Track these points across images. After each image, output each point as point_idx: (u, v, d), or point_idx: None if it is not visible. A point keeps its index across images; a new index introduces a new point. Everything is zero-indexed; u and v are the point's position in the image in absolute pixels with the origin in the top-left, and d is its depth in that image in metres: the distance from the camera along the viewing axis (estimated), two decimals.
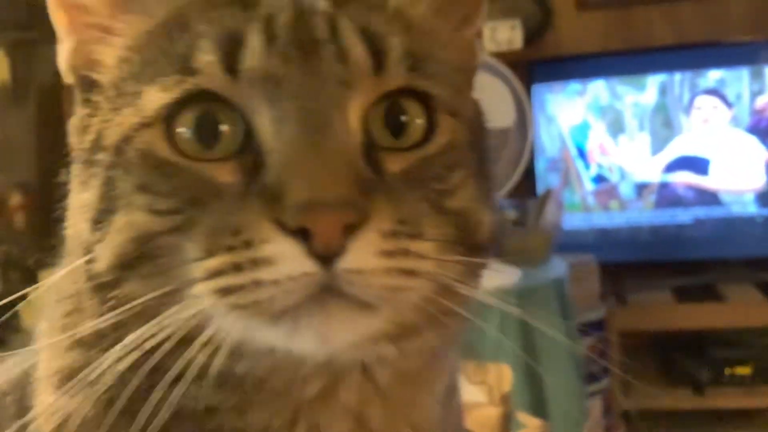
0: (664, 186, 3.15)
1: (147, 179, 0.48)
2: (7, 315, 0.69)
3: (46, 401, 0.55)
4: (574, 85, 3.14)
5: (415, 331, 0.51)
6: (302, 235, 0.43)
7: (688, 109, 3.11)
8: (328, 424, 0.52)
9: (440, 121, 0.51)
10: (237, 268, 0.43)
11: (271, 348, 0.47)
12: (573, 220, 3.14)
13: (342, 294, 0.44)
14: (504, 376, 1.55)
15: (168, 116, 0.48)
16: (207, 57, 0.47)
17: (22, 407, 0.58)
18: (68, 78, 0.55)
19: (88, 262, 0.50)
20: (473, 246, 0.52)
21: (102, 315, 0.49)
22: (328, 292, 0.44)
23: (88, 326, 0.50)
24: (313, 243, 0.43)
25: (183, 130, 0.48)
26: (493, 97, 2.21)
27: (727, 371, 3.01)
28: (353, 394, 0.52)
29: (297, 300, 0.44)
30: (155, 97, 0.48)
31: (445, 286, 0.49)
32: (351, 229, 0.43)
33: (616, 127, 3.14)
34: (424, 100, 0.51)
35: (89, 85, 0.54)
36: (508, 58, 2.96)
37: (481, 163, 0.55)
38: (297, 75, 0.46)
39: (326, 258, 0.43)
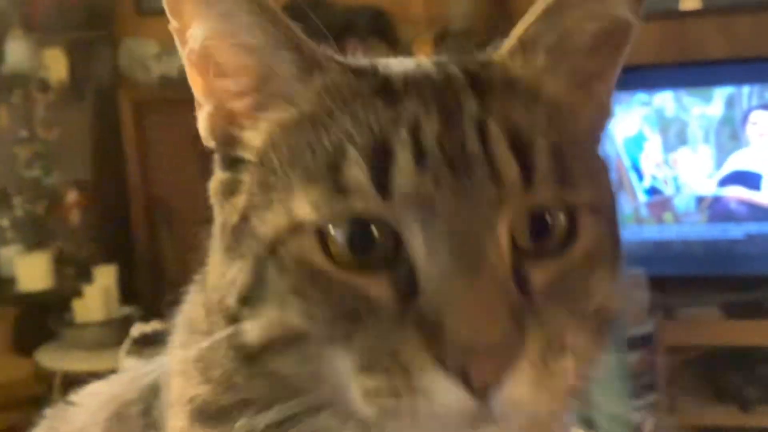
0: (716, 200, 3.13)
1: (302, 285, 0.47)
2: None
3: (178, 425, 0.57)
4: (630, 95, 3.13)
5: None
6: (462, 375, 0.43)
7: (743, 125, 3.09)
8: None
9: (582, 223, 0.50)
10: (394, 392, 0.44)
11: None
12: (624, 233, 3.12)
13: (496, 420, 0.45)
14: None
15: (320, 227, 0.48)
16: (357, 173, 0.46)
17: (148, 423, 0.61)
18: (208, 140, 0.55)
19: (233, 333, 0.51)
20: (606, 320, 0.52)
21: (239, 378, 0.52)
22: (483, 420, 0.45)
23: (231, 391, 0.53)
24: (470, 379, 0.43)
25: (336, 238, 0.47)
26: None
27: None
28: None
29: (455, 428, 0.45)
30: (306, 209, 0.47)
31: (581, 374, 0.50)
32: (506, 368, 0.44)
33: (677, 139, 3.11)
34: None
35: (229, 148, 0.54)
36: None
37: (617, 234, 0.54)
38: (449, 197, 0.45)
39: (483, 391, 0.44)
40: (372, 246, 0.47)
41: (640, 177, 3.16)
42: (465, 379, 0.43)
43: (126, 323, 2.57)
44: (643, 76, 3.10)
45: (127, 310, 2.96)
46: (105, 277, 2.98)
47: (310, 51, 0.52)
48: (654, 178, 3.16)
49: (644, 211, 3.18)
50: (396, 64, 0.53)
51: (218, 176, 0.55)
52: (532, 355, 0.44)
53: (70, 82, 3.39)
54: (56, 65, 3.37)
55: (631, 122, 3.14)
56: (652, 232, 3.18)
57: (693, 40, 3.23)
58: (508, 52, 0.53)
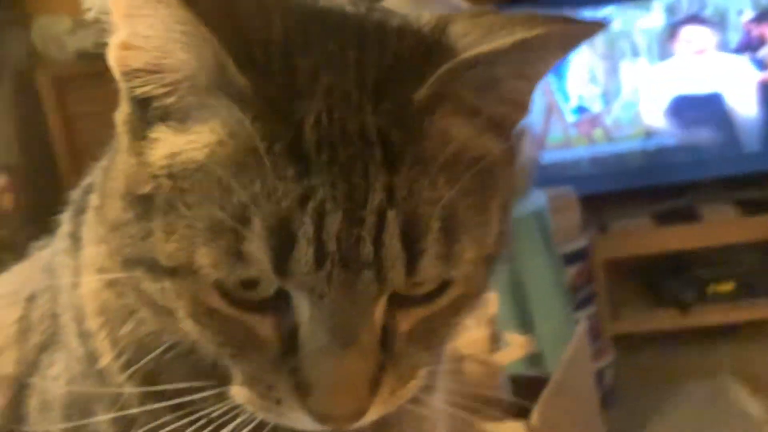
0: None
1: (196, 314, 0.52)
2: None
3: (92, 284, 0.63)
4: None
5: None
6: (321, 419, 0.52)
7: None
8: None
9: (456, 281, 0.53)
10: (265, 408, 0.54)
11: None
12: (554, 154, 3.21)
13: None
14: (490, 300, 1.61)
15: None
16: (257, 251, 0.47)
17: (51, 281, 0.68)
18: (114, 70, 0.54)
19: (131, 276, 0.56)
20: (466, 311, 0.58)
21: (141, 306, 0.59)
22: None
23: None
24: (327, 424, 0.53)
25: (231, 286, 0.51)
26: None
27: (710, 289, 3.10)
28: None
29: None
30: (206, 265, 0.49)
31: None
32: (358, 419, 0.53)
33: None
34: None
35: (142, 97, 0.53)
36: None
37: (497, 251, 0.56)
38: (337, 293, 0.48)
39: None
40: (259, 286, 0.51)
41: (567, 98, 3.23)
42: (322, 422, 0.52)
43: None
44: None
45: None
46: None
47: (231, 71, 0.48)
48: (581, 97, 3.24)
49: (573, 131, 3.25)
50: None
51: (124, 108, 0.55)
52: (383, 396, 0.53)
53: None
54: None
55: None
56: (581, 151, 3.26)
57: None
58: (428, 95, 0.50)
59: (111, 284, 0.61)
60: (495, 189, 0.54)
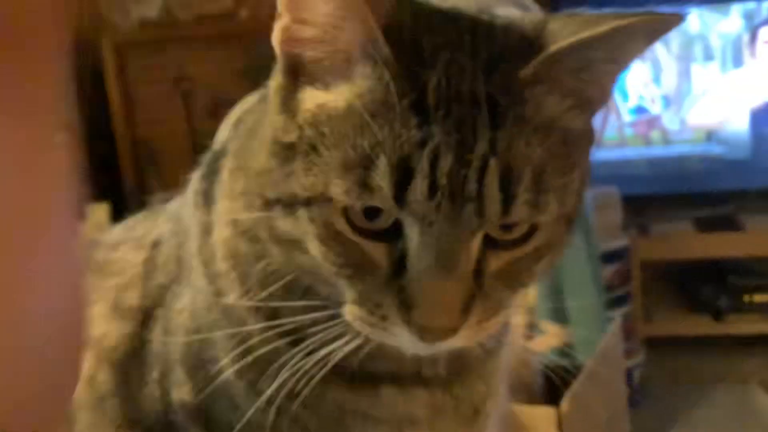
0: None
1: (324, 237, 0.61)
2: None
3: (224, 234, 0.72)
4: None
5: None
6: (419, 333, 0.60)
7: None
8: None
9: (542, 227, 0.61)
10: (371, 323, 0.61)
11: None
12: (603, 153, 3.23)
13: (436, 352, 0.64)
14: (528, 291, 1.66)
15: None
16: (382, 183, 0.57)
17: (176, 230, 0.78)
18: (274, 46, 0.62)
19: (269, 216, 0.64)
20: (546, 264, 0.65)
21: (271, 249, 0.67)
22: (427, 351, 0.63)
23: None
24: (423, 338, 0.60)
25: (356, 211, 0.59)
26: None
27: (746, 298, 3.11)
28: None
29: (404, 349, 0.63)
30: (339, 193, 0.58)
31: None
32: (449, 337, 0.60)
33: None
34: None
35: (297, 65, 0.62)
36: None
37: (574, 215, 0.64)
38: (443, 222, 0.57)
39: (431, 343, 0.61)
40: (378, 217, 0.59)
41: (626, 97, 3.24)
42: (420, 336, 0.60)
43: None
44: None
45: None
46: (98, 215, 3.05)
47: (380, 42, 0.58)
48: (641, 97, 3.25)
49: (629, 131, 3.26)
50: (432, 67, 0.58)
51: (278, 77, 0.64)
52: (470, 325, 0.60)
53: None
54: None
55: None
56: (631, 152, 3.28)
57: None
58: (532, 73, 0.58)
59: (244, 232, 0.70)
60: (577, 160, 0.62)
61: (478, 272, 0.60)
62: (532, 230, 0.60)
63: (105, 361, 0.79)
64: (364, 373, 0.70)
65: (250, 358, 0.68)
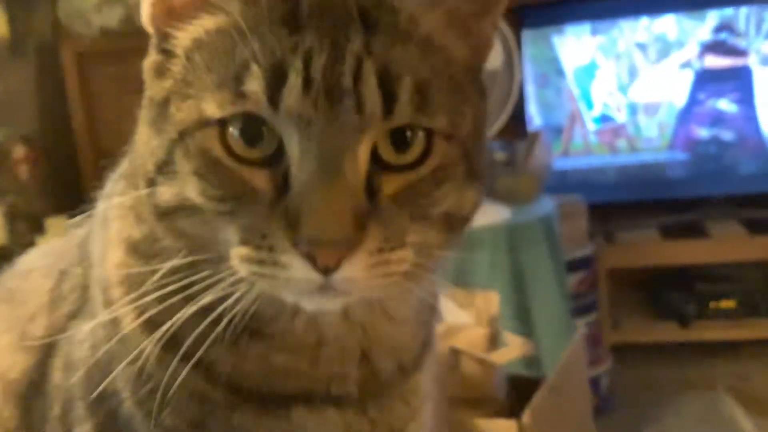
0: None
1: (202, 170, 0.59)
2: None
3: (116, 257, 0.70)
4: (576, 27, 3.22)
5: (398, 284, 0.62)
6: (310, 258, 0.56)
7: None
8: (322, 316, 0.67)
9: (435, 146, 0.60)
10: (260, 262, 0.57)
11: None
12: (570, 161, 3.24)
13: (337, 289, 0.58)
14: (491, 301, 1.64)
15: (222, 122, 0.59)
16: (255, 86, 0.56)
17: (83, 256, 0.75)
18: (148, 26, 0.64)
19: (151, 193, 0.63)
20: (456, 225, 0.64)
21: (158, 230, 0.65)
22: (327, 288, 0.58)
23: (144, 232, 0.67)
24: (316, 262, 0.56)
25: (232, 131, 0.58)
26: None
27: (712, 305, 3.13)
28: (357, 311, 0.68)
29: (303, 291, 0.59)
30: (213, 108, 0.58)
31: (421, 262, 0.61)
32: (342, 258, 0.56)
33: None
34: (426, 130, 0.60)
35: (163, 40, 0.64)
36: None
37: (473, 159, 0.63)
38: (322, 119, 0.56)
39: (325, 271, 0.56)
40: (259, 142, 0.58)
41: (590, 105, 3.26)
42: (312, 261, 0.56)
43: None
44: (567, 9, 3.18)
45: None
46: (57, 229, 3.00)
47: None
48: (606, 105, 3.26)
49: (594, 139, 3.27)
50: None
51: (152, 57, 0.64)
52: (367, 248, 0.57)
53: (11, 38, 3.36)
54: None
55: (583, 52, 3.23)
56: (597, 160, 3.29)
57: None
58: None
59: (134, 246, 0.69)
60: (467, 94, 0.63)
61: (372, 192, 0.58)
62: (426, 154, 0.60)
63: (10, 395, 0.76)
64: (273, 396, 0.67)
65: (149, 386, 0.65)
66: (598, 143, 3.28)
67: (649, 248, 3.17)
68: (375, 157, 0.59)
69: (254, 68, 0.56)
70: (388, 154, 0.59)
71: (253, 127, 0.58)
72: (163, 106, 0.61)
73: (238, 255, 0.58)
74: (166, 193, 0.61)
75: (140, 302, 0.66)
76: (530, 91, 3.22)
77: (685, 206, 3.25)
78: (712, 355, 3.09)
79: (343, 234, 0.56)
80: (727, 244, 3.10)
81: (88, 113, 3.44)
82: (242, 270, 0.59)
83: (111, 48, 3.40)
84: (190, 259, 0.62)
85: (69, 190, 3.37)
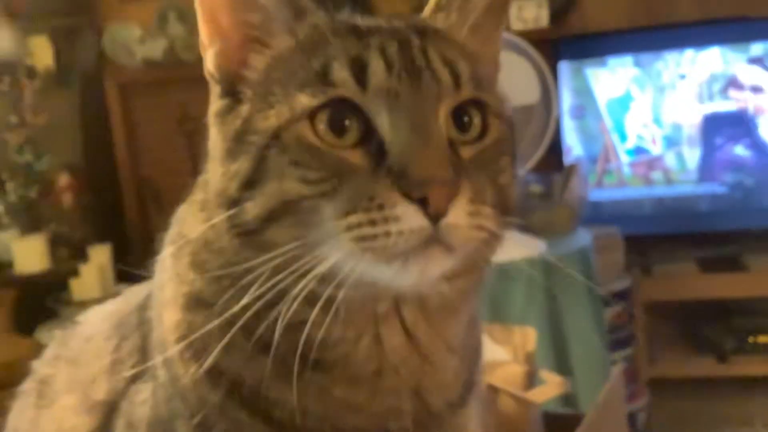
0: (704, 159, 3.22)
1: (300, 157, 0.64)
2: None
3: (174, 318, 0.72)
4: (615, 59, 3.22)
5: (463, 273, 0.68)
6: (421, 201, 0.60)
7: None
8: (387, 335, 0.69)
9: (491, 122, 0.69)
10: (372, 222, 0.60)
11: (378, 281, 0.64)
12: (604, 193, 3.23)
13: (441, 242, 0.61)
14: (528, 337, 1.64)
15: (311, 114, 0.64)
16: (342, 74, 0.64)
17: (143, 323, 0.77)
18: (213, 75, 0.71)
19: (234, 214, 0.66)
20: (507, 210, 0.69)
21: (241, 253, 0.66)
22: (433, 241, 0.61)
23: (234, 264, 0.67)
24: (428, 207, 0.60)
25: (320, 125, 0.64)
26: (518, 74, 2.29)
27: (751, 339, 3.10)
28: (409, 314, 0.69)
29: (412, 246, 0.61)
30: (305, 101, 0.64)
31: (489, 240, 0.65)
32: (451, 198, 0.61)
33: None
34: (481, 107, 0.68)
35: (235, 80, 0.70)
36: (534, 36, 3.04)
37: (515, 149, 0.73)
38: (407, 91, 0.64)
39: (435, 217, 0.60)
40: (346, 132, 0.64)
41: (624, 137, 3.26)
42: (424, 206, 0.60)
43: None
44: (603, 43, 3.19)
45: (122, 287, 3.03)
46: (100, 256, 3.06)
47: (300, 3, 0.70)
48: (640, 137, 3.26)
49: (628, 171, 3.27)
50: (360, 19, 0.71)
51: (218, 103, 0.70)
52: (467, 194, 0.62)
53: (57, 68, 3.46)
54: (42, 52, 3.43)
55: (618, 83, 3.24)
56: (632, 192, 3.28)
57: (663, 3, 3.30)
58: (430, 12, 0.73)
59: (195, 295, 0.71)
60: (492, 81, 0.73)
61: (454, 153, 0.64)
62: (484, 130, 0.68)
63: None
64: None
65: None
66: (632, 175, 3.27)
67: (686, 281, 3.15)
68: (448, 134, 0.66)
69: (336, 63, 0.64)
70: (454, 134, 0.66)
71: (339, 117, 0.64)
72: (236, 139, 0.67)
73: (344, 225, 0.61)
74: (255, 207, 0.65)
75: (200, 352, 0.68)
76: (567, 122, 3.23)
77: (723, 239, 3.22)
78: (749, 391, 3.05)
79: (448, 174, 0.61)
80: (766, 278, 3.07)
81: (130, 142, 3.52)
82: (348, 241, 0.61)
83: (153, 79, 3.48)
84: (266, 285, 0.63)
85: (111, 218, 3.44)
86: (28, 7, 3.43)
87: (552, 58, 3.03)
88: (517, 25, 3.23)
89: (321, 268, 0.61)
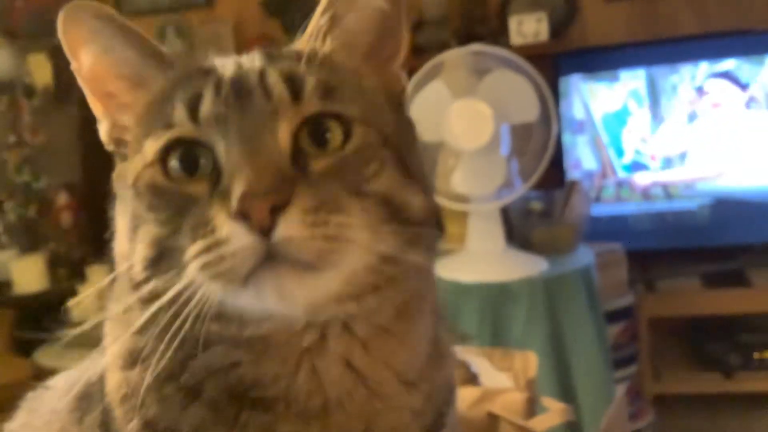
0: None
1: (152, 200, 0.65)
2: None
3: (115, 378, 0.71)
4: (611, 74, 3.20)
5: (372, 291, 0.65)
6: (244, 218, 0.58)
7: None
8: (324, 368, 0.67)
9: (354, 130, 0.66)
10: (208, 248, 0.59)
11: (246, 309, 0.62)
12: (603, 208, 3.21)
13: (284, 258, 0.59)
14: (529, 362, 1.62)
15: (161, 158, 0.65)
16: (179, 113, 0.65)
17: (104, 393, 0.73)
18: (109, 146, 0.73)
19: (129, 269, 0.66)
20: (406, 221, 0.66)
21: (137, 314, 0.66)
22: (273, 258, 0.59)
23: (139, 319, 0.66)
24: (251, 222, 0.58)
25: (172, 164, 0.65)
26: (517, 91, 2.27)
27: (756, 356, 3.06)
28: (339, 343, 0.67)
29: (252, 265, 0.59)
30: (151, 147, 0.65)
31: (388, 256, 0.64)
32: (277, 210, 0.58)
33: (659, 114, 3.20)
34: (340, 118, 0.66)
35: (121, 144, 0.72)
36: (535, 51, 3.02)
37: (403, 159, 0.69)
38: (236, 113, 0.64)
39: (264, 232, 0.58)
40: (198, 168, 0.64)
41: (621, 153, 3.23)
42: (248, 221, 0.58)
43: None
44: (604, 57, 3.16)
45: None
46: (99, 277, 3.04)
47: (167, 57, 0.71)
48: (638, 152, 3.24)
49: (625, 187, 3.24)
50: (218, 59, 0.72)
51: (117, 168, 0.72)
52: (302, 203, 0.59)
53: (55, 87, 3.45)
54: (40, 70, 3.43)
55: (615, 98, 3.22)
56: (632, 207, 3.26)
57: (663, 17, 3.29)
58: (302, 39, 0.72)
59: (129, 355, 0.70)
60: (380, 104, 0.71)
61: (302, 167, 0.63)
62: (347, 137, 0.66)
63: None
64: None
65: None
66: (629, 190, 3.24)
67: (690, 297, 3.12)
68: (299, 146, 0.64)
69: (178, 103, 0.65)
70: (311, 148, 0.64)
71: (189, 155, 0.64)
72: (118, 197, 0.70)
73: (191, 256, 0.60)
74: (139, 254, 0.65)
75: (137, 408, 0.67)
76: (567, 138, 3.21)
77: (726, 254, 3.19)
78: (755, 407, 3.02)
79: (269, 184, 0.59)
80: None
81: None
82: (194, 270, 0.60)
83: None
84: (169, 334, 0.62)
85: (110, 237, 3.42)
86: (26, 26, 3.42)
87: (552, 73, 3.01)
88: (516, 39, 3.22)
89: (193, 305, 0.60)
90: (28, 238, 3.34)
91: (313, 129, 0.65)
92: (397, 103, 0.74)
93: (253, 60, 0.69)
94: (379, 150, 0.67)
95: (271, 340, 0.64)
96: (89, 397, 0.77)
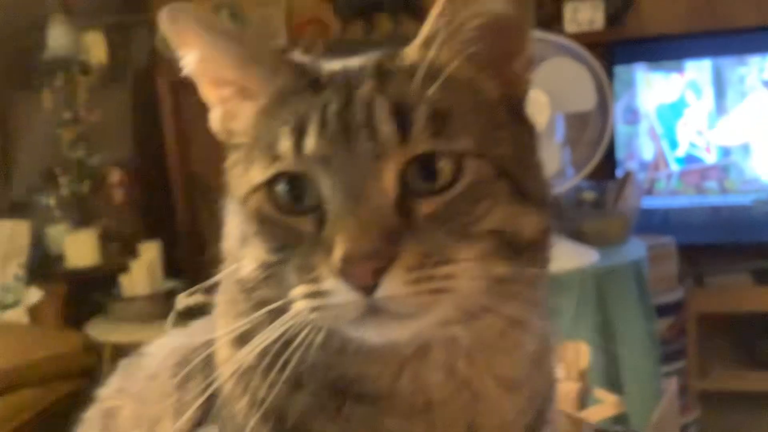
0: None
1: (259, 228, 0.65)
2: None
3: (224, 353, 0.72)
4: (673, 63, 3.15)
5: (480, 313, 0.64)
6: (346, 277, 0.58)
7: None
8: (426, 373, 0.67)
9: (466, 165, 0.63)
10: (312, 295, 0.60)
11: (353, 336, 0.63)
12: (654, 201, 3.17)
13: (386, 310, 0.59)
14: (581, 353, 1.61)
15: (268, 184, 0.65)
16: (285, 146, 0.63)
17: (207, 362, 0.76)
18: (221, 135, 0.73)
19: (237, 269, 0.68)
20: (519, 246, 0.64)
21: (246, 308, 0.68)
22: (376, 310, 0.59)
23: (242, 316, 0.68)
24: (354, 282, 0.58)
25: (279, 190, 0.64)
26: (574, 80, 2.24)
27: None
28: (442, 353, 0.67)
29: (355, 316, 0.60)
30: (258, 174, 0.65)
31: (497, 279, 0.62)
32: (380, 271, 0.58)
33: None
34: (451, 153, 0.63)
35: (232, 135, 0.72)
36: (589, 39, 2.98)
37: (519, 183, 0.66)
38: (340, 154, 0.61)
39: (367, 291, 0.58)
40: (304, 198, 0.63)
41: (674, 145, 3.19)
42: (350, 280, 0.58)
43: (170, 296, 2.64)
44: (660, 47, 3.11)
45: (171, 283, 3.06)
46: (149, 253, 3.08)
47: (275, 59, 0.69)
48: (692, 145, 3.19)
49: (677, 180, 3.20)
50: (332, 64, 0.70)
51: (229, 159, 0.72)
52: (406, 262, 0.58)
53: (110, 65, 3.49)
54: (96, 48, 3.47)
55: (671, 89, 3.16)
56: (684, 200, 3.21)
57: (721, 8, 3.23)
58: (416, 46, 0.68)
59: (235, 339, 0.70)
60: (498, 119, 0.67)
61: (407, 214, 0.61)
62: (457, 175, 0.62)
63: None
64: None
65: None
66: (682, 183, 3.20)
67: (740, 293, 3.08)
68: (405, 184, 0.62)
69: (284, 130, 0.63)
70: (416, 182, 0.62)
71: (297, 185, 0.64)
72: (232, 194, 0.69)
73: (295, 294, 0.61)
74: (248, 265, 0.66)
75: (248, 388, 0.68)
76: (621, 129, 3.17)
77: None
78: None
79: (373, 246, 0.58)
80: None
81: (181, 139, 3.54)
82: (302, 308, 0.61)
83: None
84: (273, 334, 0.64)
85: (160, 213, 3.47)
86: (83, 3, 3.46)
87: (607, 62, 2.98)
88: (571, 27, 3.18)
89: (302, 335, 0.62)
90: (81, 214, 3.39)
91: (422, 165, 0.62)
92: (518, 109, 0.70)
93: (363, 77, 0.65)
94: (492, 185, 0.64)
95: (373, 351, 0.65)
96: (191, 363, 0.78)
